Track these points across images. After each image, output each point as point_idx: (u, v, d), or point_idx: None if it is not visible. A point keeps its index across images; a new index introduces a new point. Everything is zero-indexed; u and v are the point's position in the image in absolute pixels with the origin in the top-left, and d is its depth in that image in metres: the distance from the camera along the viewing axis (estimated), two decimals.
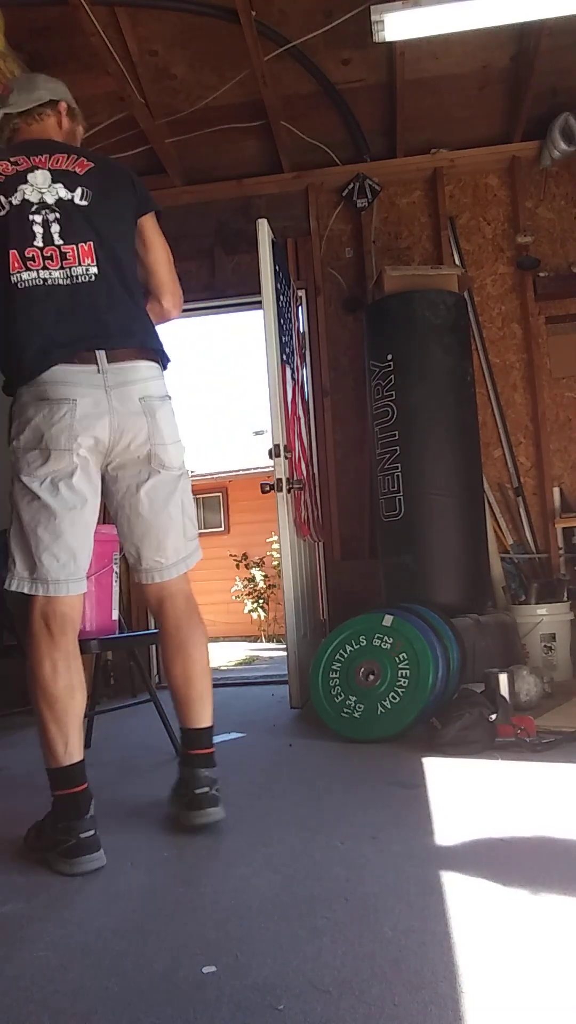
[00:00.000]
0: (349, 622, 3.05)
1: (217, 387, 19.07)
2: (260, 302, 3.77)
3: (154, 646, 4.84)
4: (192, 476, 12.06)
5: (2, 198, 1.95)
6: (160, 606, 2.07)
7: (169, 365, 2.08)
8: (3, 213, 1.94)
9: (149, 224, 2.14)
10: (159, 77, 4.18)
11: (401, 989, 1.14)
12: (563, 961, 1.20)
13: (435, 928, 1.33)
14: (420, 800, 2.11)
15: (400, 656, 2.86)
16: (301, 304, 4.77)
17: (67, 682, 1.84)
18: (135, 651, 3.19)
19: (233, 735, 3.18)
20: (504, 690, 2.94)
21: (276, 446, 3.65)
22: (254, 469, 11.08)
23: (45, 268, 1.91)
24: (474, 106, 4.51)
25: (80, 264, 1.93)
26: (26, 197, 1.94)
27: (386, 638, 2.92)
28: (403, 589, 3.79)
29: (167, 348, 2.09)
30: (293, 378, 4.15)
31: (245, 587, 10.58)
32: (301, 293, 4.77)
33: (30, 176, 1.96)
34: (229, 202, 4.91)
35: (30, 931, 1.44)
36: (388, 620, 2.94)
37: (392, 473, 3.91)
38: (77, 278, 1.92)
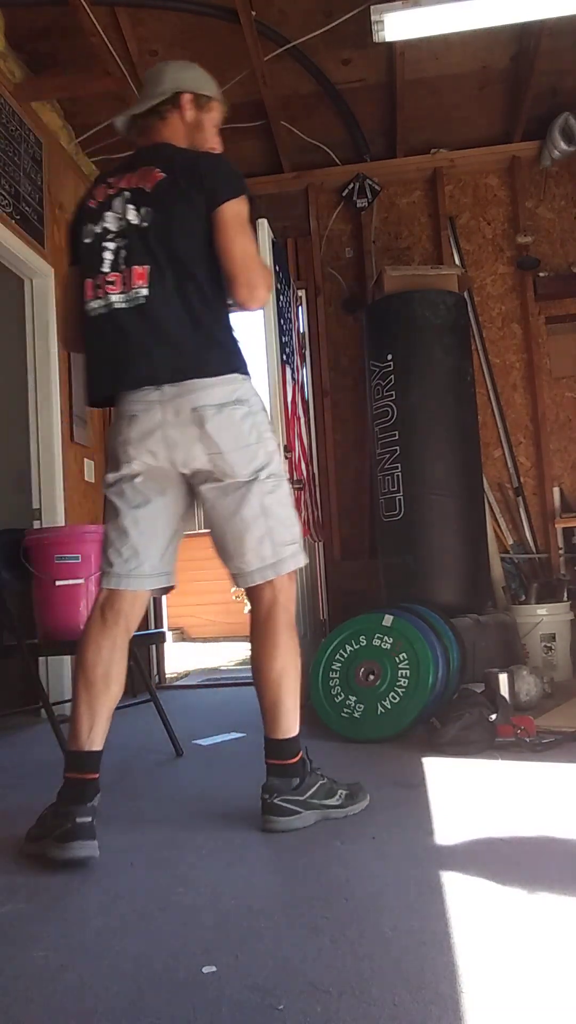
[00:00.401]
0: (349, 622, 3.05)
1: None
2: None
3: (154, 646, 4.84)
4: None
5: (90, 225, 2.04)
6: (250, 611, 2.08)
7: (242, 367, 2.01)
8: (88, 242, 2.03)
9: (219, 216, 1.97)
10: None
11: (401, 989, 1.14)
12: (563, 961, 1.20)
13: (435, 928, 1.33)
14: (420, 800, 2.11)
15: (400, 656, 2.86)
16: (301, 304, 4.77)
17: (106, 671, 1.96)
18: (135, 651, 3.19)
19: (233, 735, 3.19)
20: (504, 690, 2.94)
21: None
22: None
23: (108, 294, 1.98)
24: (474, 106, 4.51)
25: (136, 288, 1.96)
26: (105, 225, 2.03)
27: (386, 638, 2.92)
28: (403, 589, 3.79)
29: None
30: (293, 378, 4.15)
31: None
32: (301, 293, 4.77)
33: (114, 202, 2.03)
34: None
35: (30, 931, 1.44)
36: (388, 620, 2.94)
37: (392, 473, 3.91)
38: (134, 302, 1.96)
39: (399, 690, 2.83)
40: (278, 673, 2.00)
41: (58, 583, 2.68)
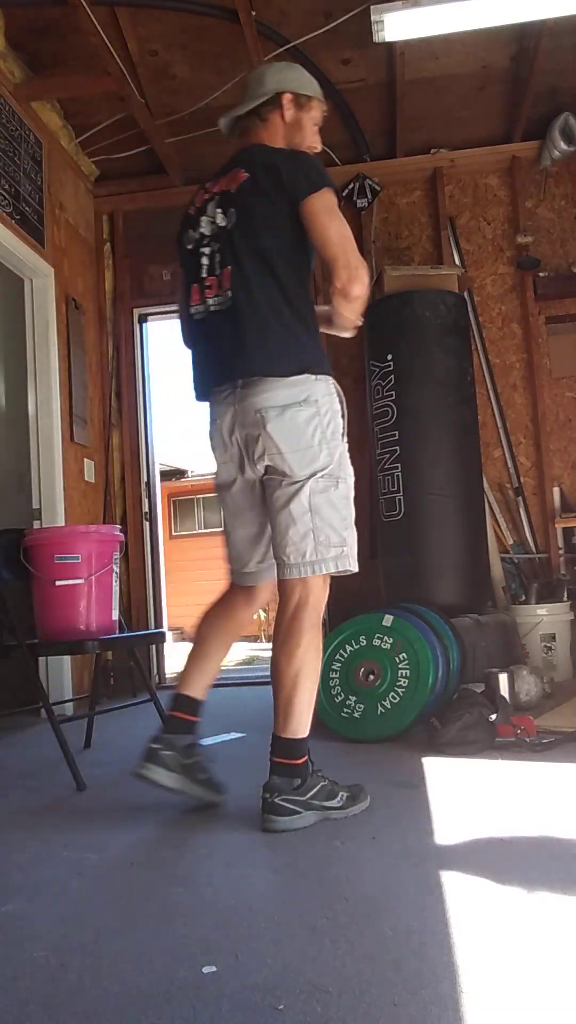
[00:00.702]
0: (349, 622, 3.05)
1: None
2: None
3: (154, 646, 4.84)
4: (192, 476, 12.10)
5: (190, 232, 2.14)
6: (278, 606, 2.09)
7: (316, 367, 2.02)
8: (189, 248, 2.13)
9: (307, 208, 1.96)
10: (159, 77, 4.18)
11: (401, 989, 1.14)
12: (563, 961, 1.20)
13: (435, 928, 1.33)
14: (420, 800, 2.11)
15: (400, 656, 2.86)
16: None
17: (205, 632, 2.22)
18: (135, 651, 3.19)
19: (233, 735, 3.18)
20: (504, 690, 2.94)
21: None
22: None
23: (207, 299, 2.07)
24: (474, 106, 4.51)
25: (224, 290, 2.03)
26: (201, 230, 2.11)
27: (386, 638, 2.91)
28: (403, 589, 3.79)
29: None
30: None
31: None
32: None
33: (208, 207, 2.12)
34: None
35: (30, 931, 1.44)
36: (388, 620, 2.93)
37: (392, 473, 3.91)
38: (222, 304, 2.03)
39: (399, 690, 2.83)
40: (295, 672, 2.00)
41: (58, 583, 2.68)
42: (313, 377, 2.00)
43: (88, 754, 2.99)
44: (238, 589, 2.23)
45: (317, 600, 2.04)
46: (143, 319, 4.98)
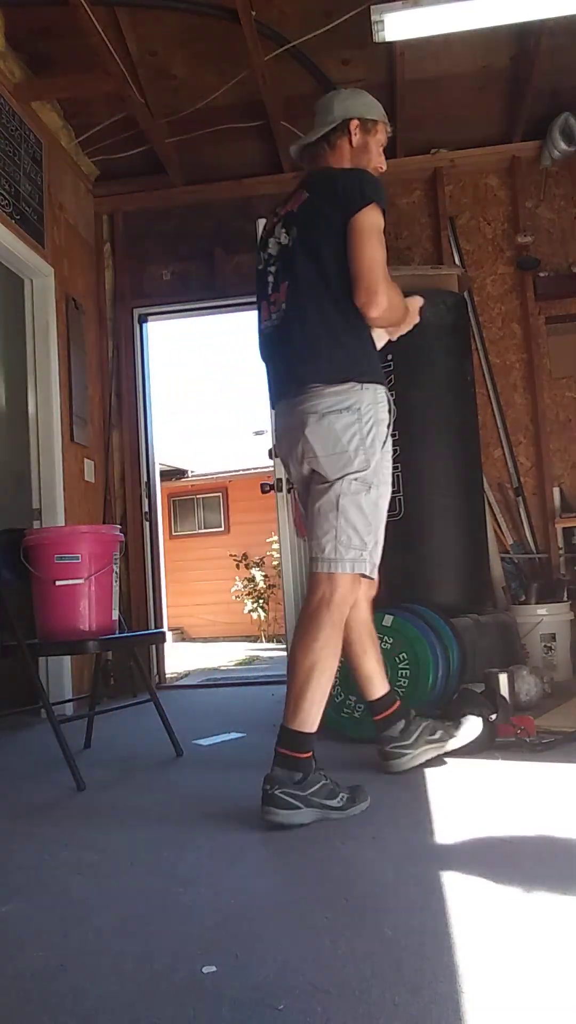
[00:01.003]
0: None
1: (217, 387, 19.06)
2: None
3: (154, 646, 4.84)
4: (192, 476, 12.10)
5: (262, 252, 2.29)
6: (304, 599, 2.19)
7: (362, 375, 2.10)
8: (260, 268, 2.28)
9: (352, 225, 2.07)
10: (159, 77, 4.18)
11: (401, 989, 1.14)
12: (563, 961, 1.20)
13: (435, 928, 1.33)
14: (420, 800, 2.11)
15: (400, 656, 2.86)
16: None
17: (344, 647, 2.25)
18: (135, 651, 3.19)
19: (233, 735, 3.19)
20: (504, 690, 2.94)
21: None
22: (254, 469, 11.08)
23: (272, 315, 2.21)
24: (474, 106, 4.51)
25: (282, 304, 2.17)
26: (269, 251, 2.26)
27: (386, 638, 2.91)
28: (403, 589, 3.78)
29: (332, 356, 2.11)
30: None
31: (245, 587, 10.58)
32: None
33: (276, 228, 2.26)
34: (229, 202, 4.92)
35: (30, 931, 1.44)
36: (388, 620, 2.93)
37: (392, 473, 3.90)
38: (280, 318, 2.18)
39: (399, 690, 2.82)
40: (311, 665, 2.03)
41: (58, 583, 2.68)
42: (359, 386, 2.09)
43: (88, 754, 2.99)
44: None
45: (341, 599, 2.08)
46: (143, 319, 4.98)
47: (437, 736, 2.38)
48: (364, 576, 2.14)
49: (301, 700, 2.02)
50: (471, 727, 2.39)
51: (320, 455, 2.08)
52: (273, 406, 2.29)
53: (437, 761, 2.39)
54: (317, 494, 2.11)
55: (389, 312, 2.10)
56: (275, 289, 2.19)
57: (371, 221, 2.06)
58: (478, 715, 2.44)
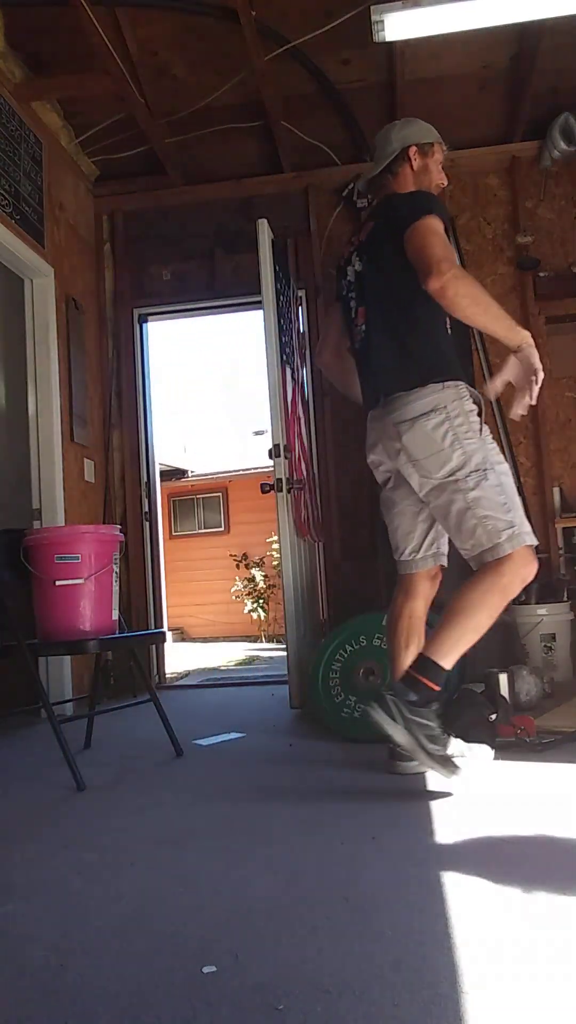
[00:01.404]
0: (349, 622, 3.05)
1: (217, 387, 19.06)
2: (260, 302, 3.77)
3: (154, 646, 4.85)
4: (192, 476, 12.11)
5: (342, 280, 2.53)
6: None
7: (440, 376, 2.24)
8: (343, 294, 2.53)
9: (408, 233, 2.22)
10: (159, 77, 4.18)
11: (401, 989, 1.14)
12: (563, 961, 1.20)
13: (435, 928, 1.33)
14: (420, 800, 2.11)
15: None
16: (301, 304, 4.77)
17: (407, 638, 2.45)
18: (135, 651, 3.19)
19: (233, 735, 3.19)
20: (504, 690, 2.94)
21: (276, 446, 3.64)
22: (254, 469, 11.09)
23: (353, 338, 2.48)
24: (474, 106, 4.51)
25: (361, 326, 2.42)
26: (348, 278, 2.50)
27: (386, 638, 2.91)
28: None
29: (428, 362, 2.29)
30: (293, 378, 4.15)
31: (245, 587, 10.58)
32: (301, 293, 4.77)
33: (352, 257, 2.47)
34: (229, 202, 4.92)
35: (30, 931, 1.44)
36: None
37: None
38: (361, 338, 2.42)
39: None
40: (464, 603, 2.18)
41: (58, 583, 2.68)
42: (439, 385, 2.24)
43: (88, 754, 2.99)
44: (401, 583, 2.51)
45: (512, 575, 2.18)
46: (143, 319, 4.98)
47: (448, 753, 2.34)
48: (527, 547, 2.22)
49: (442, 629, 2.18)
50: (482, 756, 2.35)
51: (420, 458, 2.26)
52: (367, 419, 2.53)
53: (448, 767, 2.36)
54: (442, 505, 2.26)
55: (464, 296, 2.13)
56: (355, 313, 2.44)
57: (427, 224, 2.20)
58: (490, 746, 2.43)
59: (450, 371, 2.27)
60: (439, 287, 2.11)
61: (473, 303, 2.14)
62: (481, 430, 2.24)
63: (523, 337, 2.18)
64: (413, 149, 2.46)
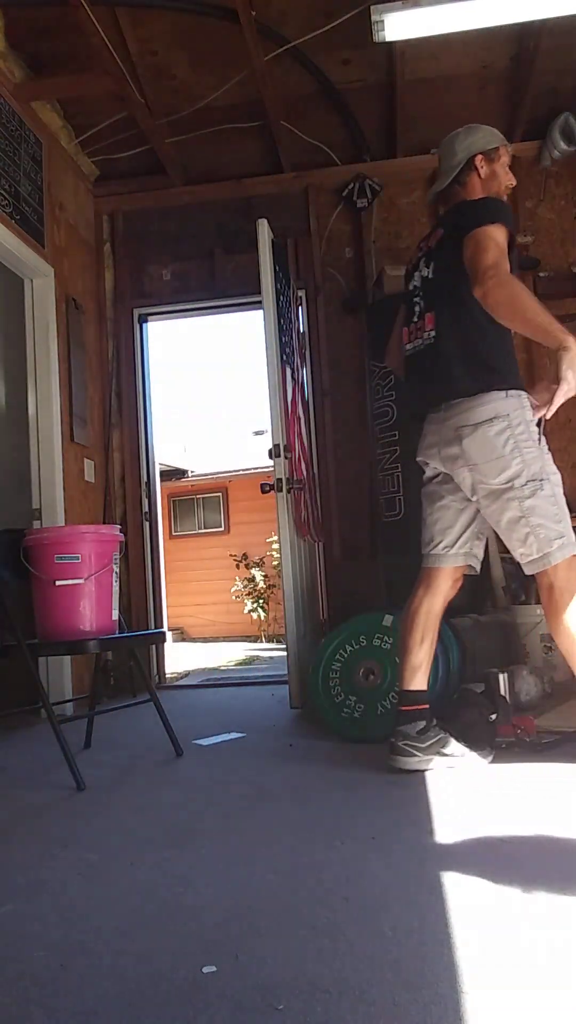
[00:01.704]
0: (349, 622, 3.05)
1: (217, 387, 19.07)
2: (260, 302, 3.77)
3: (154, 646, 4.84)
4: (192, 476, 12.10)
5: (409, 283, 2.60)
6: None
7: (503, 384, 2.31)
8: (407, 297, 2.60)
9: (468, 239, 2.27)
10: (159, 77, 4.18)
11: (401, 989, 1.14)
12: (563, 961, 1.20)
13: (435, 928, 1.33)
14: (420, 800, 2.11)
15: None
16: (301, 304, 4.77)
17: (402, 632, 2.52)
18: (135, 651, 3.19)
19: (233, 735, 3.19)
20: (504, 690, 2.94)
21: (276, 446, 3.64)
22: (254, 469, 11.09)
23: (412, 339, 2.54)
24: (474, 106, 4.50)
25: (428, 331, 2.46)
26: (414, 283, 2.56)
27: (386, 638, 2.91)
28: (403, 589, 3.78)
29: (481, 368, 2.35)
30: (293, 378, 4.15)
31: (245, 587, 10.58)
32: (301, 293, 4.77)
33: (420, 263, 2.55)
34: (229, 202, 4.92)
35: (30, 931, 1.44)
36: (388, 620, 2.93)
37: (392, 473, 3.91)
38: (425, 343, 2.47)
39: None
40: (565, 650, 2.26)
41: (58, 583, 2.68)
42: (503, 394, 2.30)
43: (88, 754, 2.99)
44: (423, 576, 2.54)
45: (564, 584, 2.24)
46: (143, 319, 4.98)
47: (447, 751, 2.41)
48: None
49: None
50: (481, 757, 2.43)
51: (480, 462, 2.31)
52: (414, 417, 2.61)
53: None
54: (497, 511, 2.31)
55: (502, 304, 2.18)
56: (420, 317, 2.50)
57: (484, 232, 2.24)
58: (488, 752, 2.47)
59: (515, 380, 2.34)
60: (481, 295, 2.18)
61: (510, 310, 2.19)
62: (540, 440, 2.31)
63: (560, 341, 2.20)
64: (480, 157, 2.50)
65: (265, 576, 10.44)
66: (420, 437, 2.54)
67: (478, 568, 2.57)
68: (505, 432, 2.27)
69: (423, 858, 1.68)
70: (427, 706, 2.44)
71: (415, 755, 2.37)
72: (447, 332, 2.39)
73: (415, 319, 2.53)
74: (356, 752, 2.71)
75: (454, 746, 2.42)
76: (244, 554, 10.82)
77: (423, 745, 2.38)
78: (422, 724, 2.40)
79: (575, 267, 4.57)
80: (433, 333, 2.43)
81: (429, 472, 2.55)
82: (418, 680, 2.46)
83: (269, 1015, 1.10)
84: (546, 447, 2.33)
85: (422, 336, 2.48)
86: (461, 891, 1.48)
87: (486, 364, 2.33)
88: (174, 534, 11.72)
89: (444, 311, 2.41)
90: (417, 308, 2.53)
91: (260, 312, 3.78)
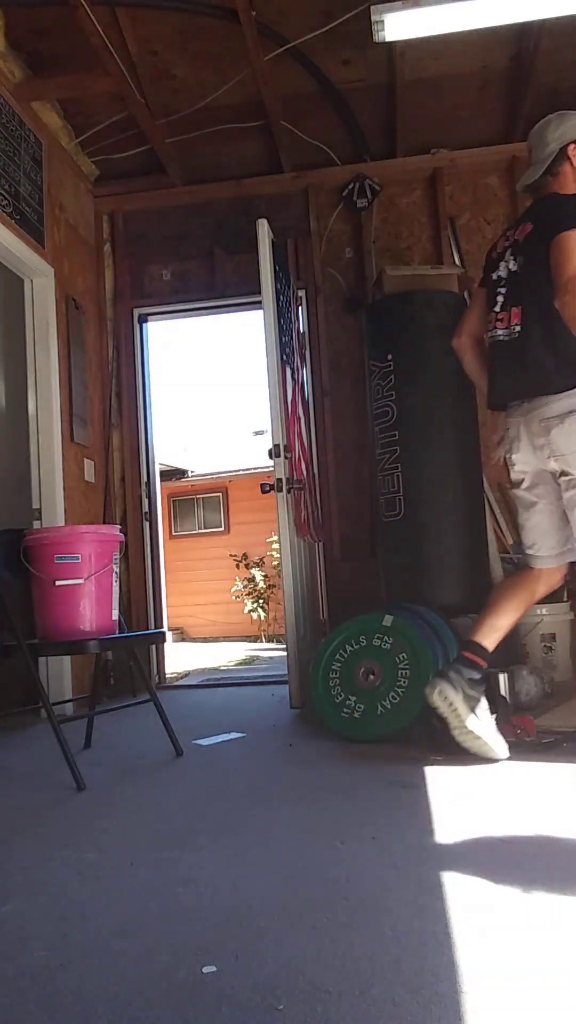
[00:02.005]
0: (349, 622, 3.05)
1: (217, 387, 19.08)
2: (260, 302, 3.77)
3: (154, 646, 4.84)
4: (192, 476, 12.10)
5: (492, 273, 2.62)
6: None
7: None
8: (490, 286, 2.62)
9: (554, 243, 2.31)
10: (159, 77, 4.18)
11: (401, 989, 1.14)
12: (563, 961, 1.20)
13: (435, 928, 1.33)
14: (420, 800, 2.11)
15: (400, 656, 2.86)
16: (301, 304, 4.77)
17: (500, 592, 2.62)
18: (135, 651, 3.19)
19: (233, 735, 3.19)
20: (504, 690, 2.94)
21: (276, 446, 3.64)
22: (254, 469, 11.08)
23: (496, 329, 2.57)
24: (474, 106, 4.51)
25: (514, 325, 2.50)
26: (499, 272, 2.58)
27: (386, 638, 2.91)
28: (403, 589, 3.78)
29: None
30: (293, 378, 4.15)
31: (245, 587, 10.57)
32: (301, 293, 4.77)
33: (506, 253, 2.57)
34: (229, 202, 4.92)
35: (30, 931, 1.44)
36: (388, 620, 2.93)
37: (392, 473, 3.90)
38: (510, 336, 2.51)
39: (399, 690, 2.83)
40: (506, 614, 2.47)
41: (58, 583, 2.68)
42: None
43: (88, 754, 2.99)
44: (532, 569, 2.61)
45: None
46: (143, 319, 4.98)
47: (480, 717, 2.44)
48: None
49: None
50: (499, 747, 2.47)
51: (567, 452, 2.39)
52: (494, 407, 2.67)
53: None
54: (568, 495, 2.42)
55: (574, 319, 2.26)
56: (504, 308, 2.54)
57: (571, 239, 2.27)
58: (504, 748, 2.49)
59: None
60: (560, 306, 2.27)
61: None
62: None
63: None
64: (573, 147, 2.46)
65: (265, 576, 10.44)
66: (506, 431, 2.61)
67: None
68: None
69: (423, 858, 1.68)
70: (486, 666, 2.49)
71: (456, 691, 2.39)
72: (535, 330, 2.44)
73: (497, 309, 2.57)
74: (356, 752, 2.71)
75: (487, 721, 2.45)
76: (244, 554, 10.82)
77: (468, 690, 2.41)
78: (477, 676, 2.44)
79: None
80: (519, 328, 2.48)
81: (515, 475, 2.61)
82: (491, 640, 2.50)
83: (269, 1015, 1.10)
84: None
85: (506, 328, 2.52)
86: (461, 891, 1.48)
87: (571, 363, 2.39)
88: (174, 534, 11.72)
89: (533, 308, 2.45)
90: (500, 299, 2.56)
91: (260, 312, 3.78)
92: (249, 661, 7.47)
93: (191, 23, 3.80)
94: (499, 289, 2.58)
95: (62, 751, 2.47)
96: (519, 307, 2.49)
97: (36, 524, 3.99)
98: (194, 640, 11.01)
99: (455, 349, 2.90)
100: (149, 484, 4.89)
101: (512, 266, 2.53)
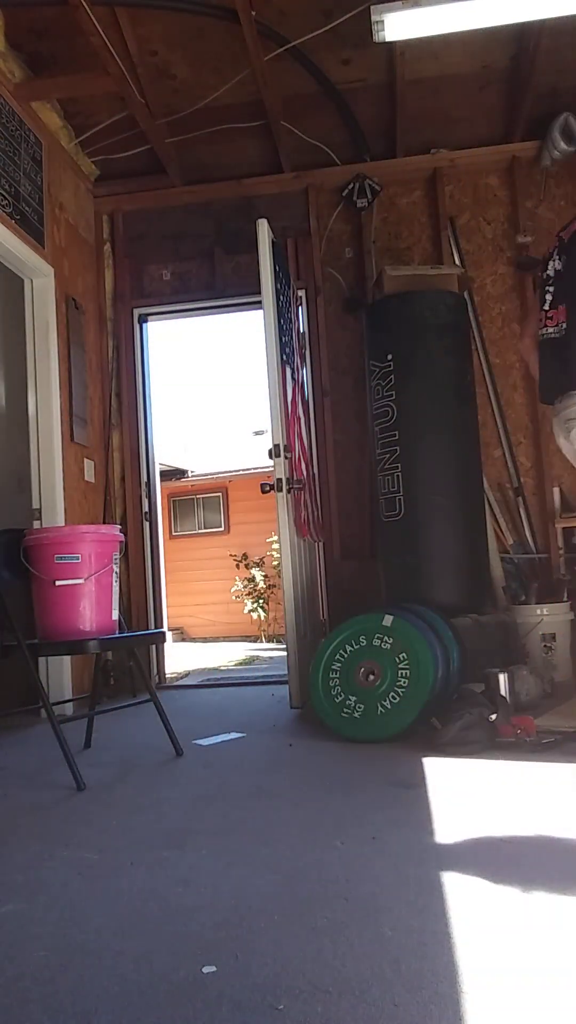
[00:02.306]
0: (349, 622, 3.05)
1: (217, 387, 19.08)
2: (260, 302, 3.77)
3: (154, 646, 4.84)
4: (192, 476, 12.10)
5: (543, 273, 2.74)
6: None
7: None
8: (541, 283, 2.75)
9: None
10: (159, 77, 4.18)
11: (401, 989, 1.14)
12: (563, 961, 1.20)
13: (435, 928, 1.33)
14: (420, 800, 2.11)
15: (400, 656, 2.86)
16: (301, 304, 4.77)
17: None
18: (135, 651, 3.19)
19: (233, 735, 3.19)
20: (504, 690, 2.94)
21: (276, 446, 3.64)
22: (254, 469, 11.08)
23: (546, 327, 2.70)
24: (474, 106, 4.51)
25: (560, 324, 2.62)
26: (547, 272, 2.71)
27: (386, 638, 2.91)
28: (403, 589, 3.78)
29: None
30: (293, 378, 4.15)
31: (245, 587, 10.57)
32: (301, 293, 4.77)
33: (554, 252, 2.69)
34: (229, 202, 4.92)
35: (30, 931, 1.44)
36: (388, 620, 2.93)
37: (392, 473, 3.91)
38: (557, 334, 2.63)
39: (399, 690, 2.83)
40: None
41: (58, 583, 2.68)
42: None
43: (88, 754, 2.99)
44: None
45: None
46: (143, 319, 4.98)
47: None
48: None
49: None
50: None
51: None
52: (544, 401, 2.84)
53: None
54: None
55: None
56: (552, 307, 2.66)
57: None
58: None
59: None
60: None
61: None
62: None
63: None
64: None
65: (265, 576, 10.44)
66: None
67: None
68: None
69: (423, 858, 1.68)
70: None
71: None
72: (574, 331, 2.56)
73: (547, 308, 2.69)
74: (356, 752, 2.71)
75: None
76: (244, 554, 10.81)
77: None
78: None
79: None
80: (565, 326, 2.60)
81: None
82: None
83: (269, 1015, 1.10)
84: None
85: (556, 326, 2.65)
86: (461, 891, 1.48)
87: None
88: (174, 534, 11.72)
89: (573, 309, 2.57)
90: (549, 297, 2.69)
91: (260, 312, 3.78)
92: (249, 661, 7.47)
93: (191, 23, 3.81)
94: (548, 287, 2.70)
95: (62, 751, 2.47)
96: (565, 305, 2.60)
97: (36, 524, 3.99)
98: (194, 640, 11.01)
99: (521, 352, 3.02)
100: (149, 484, 4.89)
101: (558, 265, 2.65)
